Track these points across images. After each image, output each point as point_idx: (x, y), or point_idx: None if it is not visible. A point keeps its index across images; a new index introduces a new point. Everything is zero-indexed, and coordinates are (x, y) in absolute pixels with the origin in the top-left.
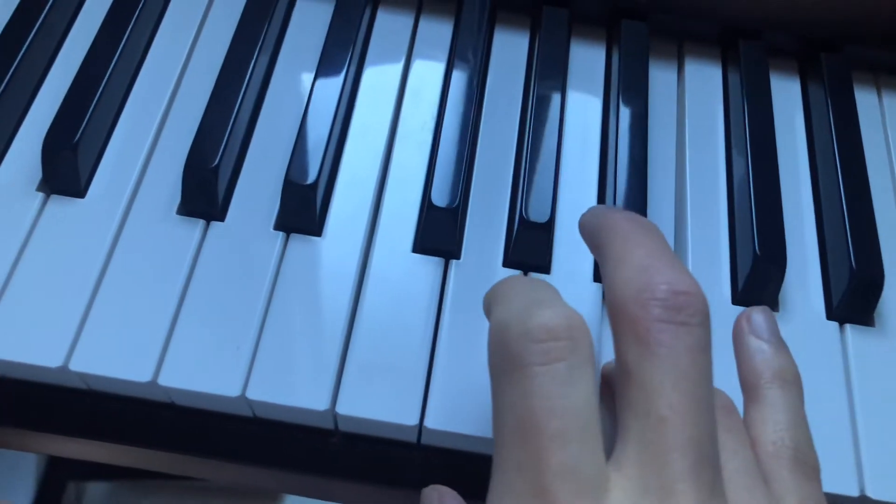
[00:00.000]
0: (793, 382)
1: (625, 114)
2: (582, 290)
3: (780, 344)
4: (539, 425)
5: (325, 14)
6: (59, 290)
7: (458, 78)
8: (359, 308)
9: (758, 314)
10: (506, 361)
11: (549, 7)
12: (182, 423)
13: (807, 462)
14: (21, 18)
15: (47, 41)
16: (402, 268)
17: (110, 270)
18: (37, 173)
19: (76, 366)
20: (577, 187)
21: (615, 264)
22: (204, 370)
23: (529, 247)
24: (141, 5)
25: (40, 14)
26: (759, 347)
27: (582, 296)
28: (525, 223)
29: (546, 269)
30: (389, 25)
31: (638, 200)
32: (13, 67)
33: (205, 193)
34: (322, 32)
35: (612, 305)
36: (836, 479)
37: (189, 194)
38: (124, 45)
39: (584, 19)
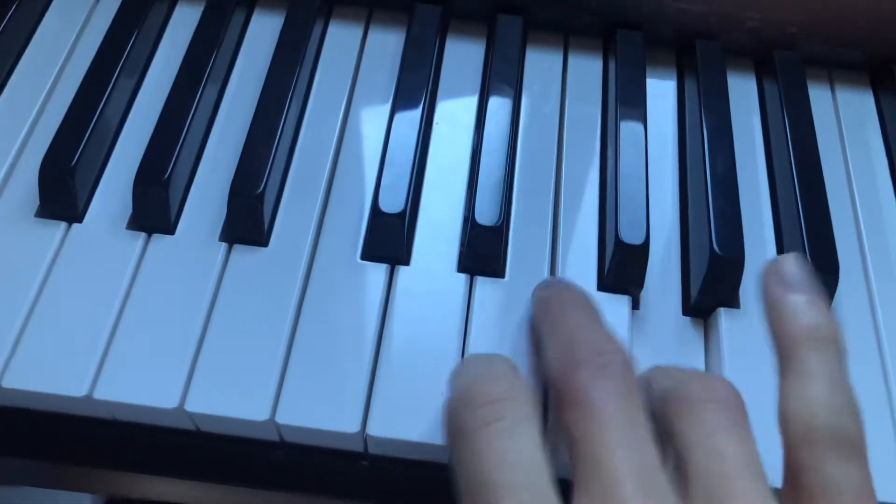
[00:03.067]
0: (829, 342)
1: (795, 139)
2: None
3: (813, 297)
4: (489, 480)
5: (476, 51)
6: (257, 341)
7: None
8: None
9: (788, 262)
10: (456, 430)
11: (701, 41)
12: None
13: (846, 442)
14: (187, 81)
15: (208, 103)
16: None
17: (303, 318)
18: (217, 225)
19: (282, 418)
20: (754, 218)
21: (546, 343)
22: (411, 417)
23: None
24: (299, 67)
25: (202, 79)
26: (790, 303)
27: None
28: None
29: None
30: (540, 63)
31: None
32: (185, 130)
33: (392, 238)
34: (473, 70)
35: (551, 381)
36: None
37: (376, 240)
38: (291, 98)
39: (732, 52)
